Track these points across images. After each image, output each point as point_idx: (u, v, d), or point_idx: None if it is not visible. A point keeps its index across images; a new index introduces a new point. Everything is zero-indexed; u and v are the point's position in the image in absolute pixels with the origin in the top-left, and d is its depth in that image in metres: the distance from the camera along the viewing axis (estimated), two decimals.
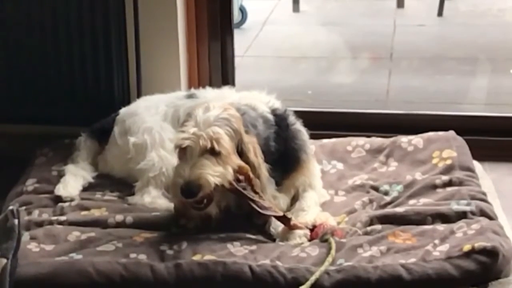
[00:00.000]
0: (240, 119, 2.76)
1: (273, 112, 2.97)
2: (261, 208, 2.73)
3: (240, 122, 2.75)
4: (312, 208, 2.93)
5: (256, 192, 2.73)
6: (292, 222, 2.77)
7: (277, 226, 2.82)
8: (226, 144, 2.67)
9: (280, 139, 2.92)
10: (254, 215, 2.82)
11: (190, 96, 3.26)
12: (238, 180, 2.71)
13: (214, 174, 2.65)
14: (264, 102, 3.00)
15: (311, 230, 2.81)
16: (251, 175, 2.72)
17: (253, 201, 2.72)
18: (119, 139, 3.26)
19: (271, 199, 2.83)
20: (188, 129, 2.69)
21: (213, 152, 2.67)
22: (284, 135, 2.94)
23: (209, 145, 2.65)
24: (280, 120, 2.96)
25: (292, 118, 3.02)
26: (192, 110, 2.78)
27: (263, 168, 2.79)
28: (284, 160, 2.93)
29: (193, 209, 2.73)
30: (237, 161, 2.71)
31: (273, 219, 2.82)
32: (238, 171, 2.71)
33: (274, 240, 2.80)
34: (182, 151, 2.72)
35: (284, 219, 2.77)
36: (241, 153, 2.74)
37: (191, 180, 2.64)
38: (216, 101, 2.85)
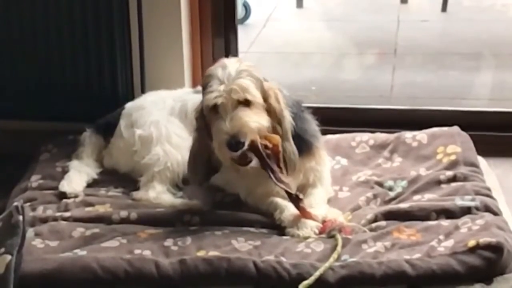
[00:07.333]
0: (257, 68, 2.82)
1: (288, 97, 2.97)
2: (276, 180, 2.75)
3: (258, 70, 2.81)
4: (320, 205, 2.92)
5: (279, 166, 2.76)
6: (301, 205, 2.77)
7: (288, 215, 2.82)
8: (255, 92, 2.74)
9: (293, 114, 2.89)
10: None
11: (197, 92, 3.25)
12: (266, 147, 2.74)
13: (254, 120, 2.71)
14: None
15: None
16: (280, 148, 2.76)
17: (272, 170, 2.74)
18: (125, 132, 3.27)
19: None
20: (216, 87, 2.73)
21: (245, 104, 2.72)
22: (298, 115, 2.94)
23: (242, 97, 2.71)
24: (294, 102, 2.96)
25: (305, 109, 3.03)
26: (209, 72, 2.81)
27: (287, 115, 2.83)
28: (295, 140, 2.89)
29: (241, 166, 2.76)
30: (265, 115, 2.77)
31: (285, 208, 2.83)
32: (268, 139, 2.75)
33: (281, 231, 2.79)
34: (213, 111, 2.75)
35: (295, 199, 2.78)
36: (264, 101, 2.78)
37: (234, 132, 2.69)
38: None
